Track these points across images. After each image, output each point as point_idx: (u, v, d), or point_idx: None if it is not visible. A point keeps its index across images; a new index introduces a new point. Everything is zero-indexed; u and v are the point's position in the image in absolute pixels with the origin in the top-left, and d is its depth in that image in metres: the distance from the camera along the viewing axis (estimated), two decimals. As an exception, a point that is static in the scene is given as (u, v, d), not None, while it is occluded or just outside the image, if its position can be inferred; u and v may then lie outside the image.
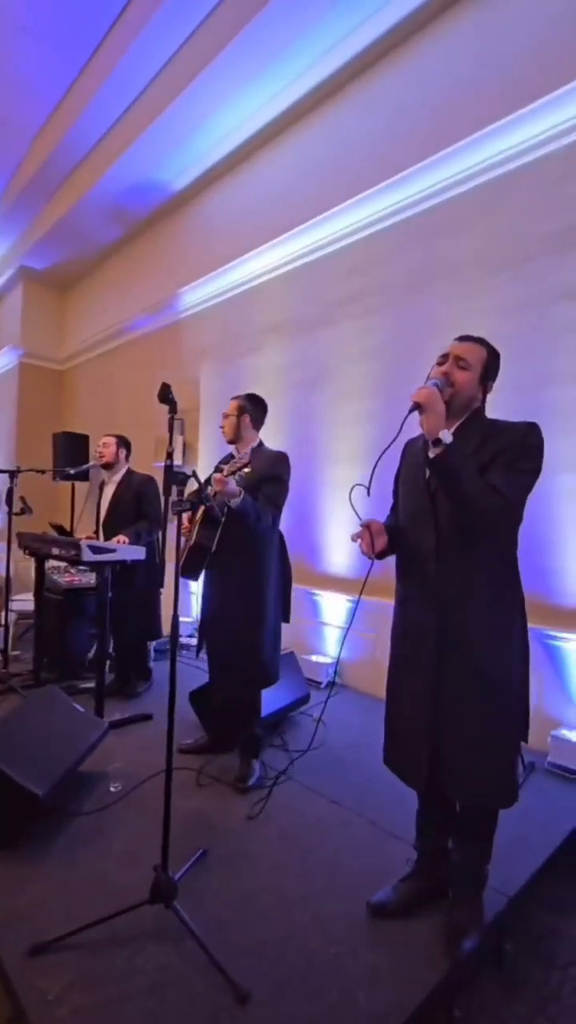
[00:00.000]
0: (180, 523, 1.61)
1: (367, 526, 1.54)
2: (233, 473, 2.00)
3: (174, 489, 1.53)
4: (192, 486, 1.71)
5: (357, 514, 1.56)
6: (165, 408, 1.66)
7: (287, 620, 2.49)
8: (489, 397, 1.62)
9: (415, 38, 3.45)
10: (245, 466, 2.00)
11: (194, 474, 1.64)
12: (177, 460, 5.12)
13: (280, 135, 4.36)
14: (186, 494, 1.66)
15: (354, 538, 1.56)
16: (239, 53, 3.61)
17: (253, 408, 2.46)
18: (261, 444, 2.47)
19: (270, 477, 2.31)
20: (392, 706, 1.66)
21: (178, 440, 5.23)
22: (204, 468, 4.84)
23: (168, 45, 3.87)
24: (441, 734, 1.49)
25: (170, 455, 1.47)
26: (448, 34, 3.30)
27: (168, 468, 1.46)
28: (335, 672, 3.58)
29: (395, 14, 3.35)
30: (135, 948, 1.48)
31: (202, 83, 3.87)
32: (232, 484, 2.06)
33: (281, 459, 2.39)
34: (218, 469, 2.36)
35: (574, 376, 2.74)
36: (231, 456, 2.50)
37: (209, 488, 2.02)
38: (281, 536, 2.48)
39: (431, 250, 3.39)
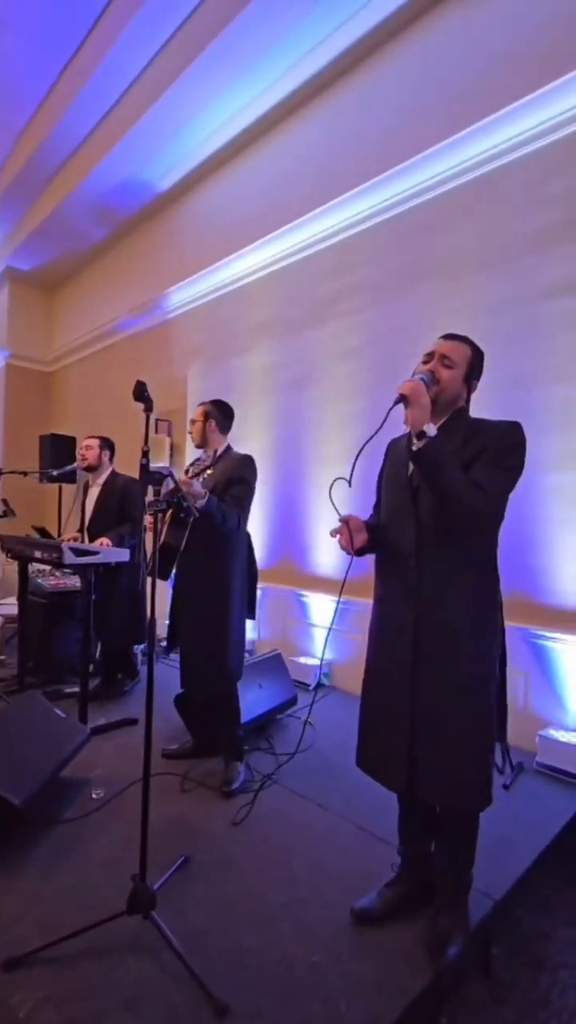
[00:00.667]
0: (156, 523, 1.58)
1: (346, 521, 1.52)
2: (197, 475, 2.01)
3: (150, 489, 1.51)
4: (169, 486, 1.69)
5: (336, 509, 1.54)
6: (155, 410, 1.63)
7: (252, 616, 2.54)
8: (475, 396, 1.61)
9: (400, 37, 3.44)
10: (207, 468, 2.01)
11: (171, 474, 1.61)
12: (164, 461, 5.08)
13: (266, 135, 4.33)
14: (163, 494, 1.65)
15: (333, 534, 1.55)
16: (225, 51, 3.58)
17: (219, 414, 2.51)
18: (229, 448, 2.52)
19: (236, 479, 2.36)
20: (368, 705, 1.62)
21: (165, 441, 5.19)
22: (192, 469, 4.80)
23: (152, 43, 3.85)
24: (417, 734, 1.46)
25: (145, 454, 1.43)
26: (431, 33, 3.29)
27: (144, 468, 1.43)
28: (320, 673, 3.55)
29: (380, 13, 3.34)
30: (112, 961, 1.44)
31: (187, 82, 3.84)
32: (197, 486, 2.10)
33: (247, 462, 2.43)
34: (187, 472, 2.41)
35: (560, 375, 2.74)
36: (200, 460, 2.56)
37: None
38: (248, 536, 2.51)
39: (417, 249, 3.38)
